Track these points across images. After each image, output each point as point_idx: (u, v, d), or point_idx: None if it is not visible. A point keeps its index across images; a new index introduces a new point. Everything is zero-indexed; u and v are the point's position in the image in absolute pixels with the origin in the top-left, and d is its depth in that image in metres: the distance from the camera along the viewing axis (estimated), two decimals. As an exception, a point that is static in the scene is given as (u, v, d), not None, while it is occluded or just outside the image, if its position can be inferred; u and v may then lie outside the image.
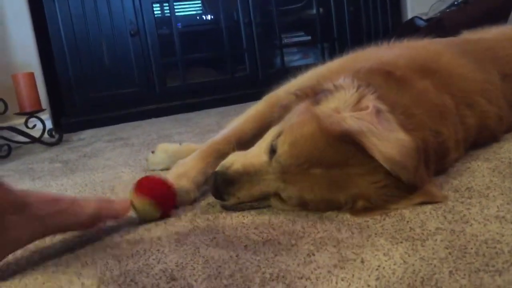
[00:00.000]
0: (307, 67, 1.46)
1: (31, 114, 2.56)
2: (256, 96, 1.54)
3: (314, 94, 1.11)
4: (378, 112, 0.98)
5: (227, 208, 1.12)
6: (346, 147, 0.96)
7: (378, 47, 1.49)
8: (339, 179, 0.98)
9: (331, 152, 0.97)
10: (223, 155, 1.32)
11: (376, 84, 1.07)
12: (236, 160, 1.07)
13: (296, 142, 1.00)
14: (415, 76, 1.18)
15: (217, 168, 1.09)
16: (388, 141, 0.94)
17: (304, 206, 1.04)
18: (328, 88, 1.08)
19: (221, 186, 1.07)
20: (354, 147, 0.95)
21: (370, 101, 1.01)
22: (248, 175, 1.04)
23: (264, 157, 1.05)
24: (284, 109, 1.17)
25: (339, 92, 1.04)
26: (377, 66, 1.17)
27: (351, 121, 0.96)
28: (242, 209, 1.10)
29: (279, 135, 1.04)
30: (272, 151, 1.03)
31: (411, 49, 1.42)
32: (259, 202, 1.09)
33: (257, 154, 1.07)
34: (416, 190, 1.00)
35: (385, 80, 1.10)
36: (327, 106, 1.04)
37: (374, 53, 1.39)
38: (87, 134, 2.84)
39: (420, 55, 1.34)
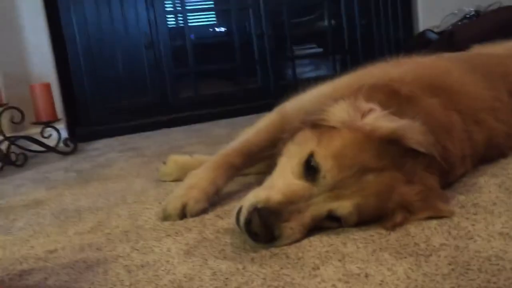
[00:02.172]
0: (318, 79, 1.48)
1: (47, 124, 2.62)
2: (267, 107, 1.56)
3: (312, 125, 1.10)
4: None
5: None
6: (388, 149, 0.99)
7: (387, 63, 1.50)
8: (387, 185, 0.99)
9: (378, 155, 0.99)
10: (233, 166, 1.35)
11: (377, 101, 1.09)
12: (270, 194, 0.97)
13: (340, 153, 0.98)
14: (423, 94, 1.19)
15: (248, 207, 0.96)
16: (411, 129, 1.01)
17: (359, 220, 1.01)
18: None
19: (268, 221, 0.94)
20: (394, 148, 0.99)
21: (367, 105, 1.07)
22: (293, 204, 0.96)
23: (301, 182, 0.99)
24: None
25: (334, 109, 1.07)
26: (381, 83, 1.19)
27: (385, 122, 1.01)
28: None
29: (311, 155, 1.00)
30: (309, 173, 0.99)
31: (420, 65, 1.44)
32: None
33: (289, 181, 1.01)
34: (452, 170, 1.14)
35: (387, 98, 1.12)
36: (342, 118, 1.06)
37: (382, 70, 1.40)
38: (101, 144, 2.88)
39: (429, 72, 1.36)
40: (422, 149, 1.01)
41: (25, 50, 2.91)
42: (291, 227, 0.97)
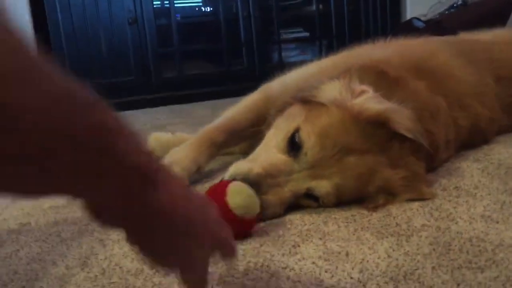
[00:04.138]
0: (304, 63, 1.46)
1: (25, 99, 2.55)
2: (252, 90, 1.53)
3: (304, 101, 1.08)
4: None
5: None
6: (375, 132, 0.97)
7: (373, 44, 1.49)
8: (369, 168, 0.97)
9: (363, 137, 0.97)
10: (216, 144, 1.33)
11: (366, 82, 1.07)
12: (251, 166, 0.97)
13: (324, 132, 0.96)
14: (409, 76, 1.18)
15: (230, 178, 0.96)
16: (399, 113, 0.99)
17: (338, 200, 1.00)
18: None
19: None
20: (380, 131, 0.97)
21: (361, 86, 1.04)
22: (272, 178, 0.95)
23: (283, 156, 0.98)
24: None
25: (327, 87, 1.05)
26: (369, 63, 1.17)
27: (374, 104, 0.99)
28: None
29: (296, 130, 0.98)
30: (293, 148, 0.98)
31: (407, 47, 1.42)
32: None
33: (272, 155, 0.99)
34: (437, 154, 1.12)
35: (376, 79, 1.10)
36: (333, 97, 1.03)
37: (369, 51, 1.38)
38: (81, 121, 2.82)
39: (415, 55, 1.34)
40: (410, 135, 0.99)
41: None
42: (269, 200, 0.95)
